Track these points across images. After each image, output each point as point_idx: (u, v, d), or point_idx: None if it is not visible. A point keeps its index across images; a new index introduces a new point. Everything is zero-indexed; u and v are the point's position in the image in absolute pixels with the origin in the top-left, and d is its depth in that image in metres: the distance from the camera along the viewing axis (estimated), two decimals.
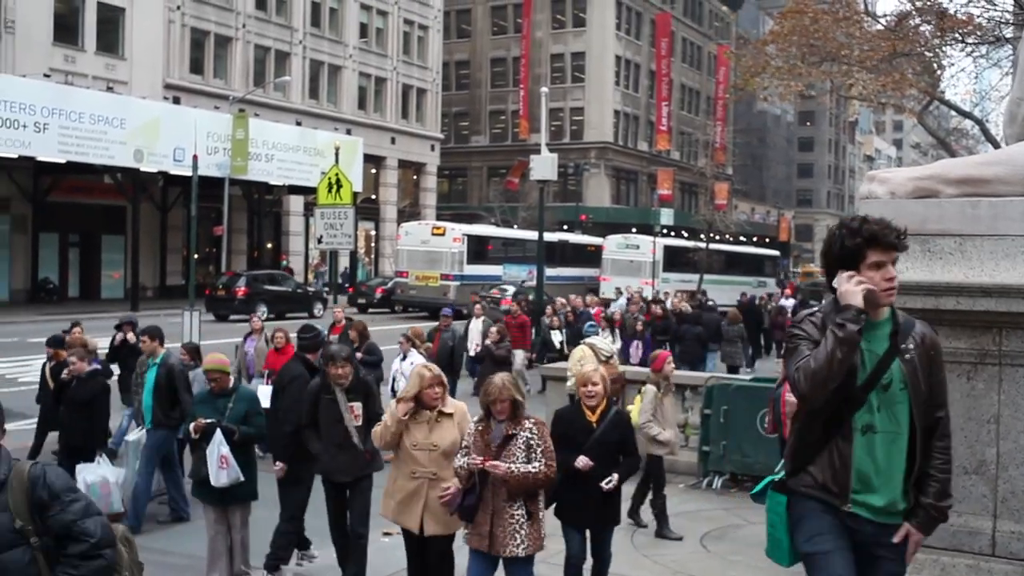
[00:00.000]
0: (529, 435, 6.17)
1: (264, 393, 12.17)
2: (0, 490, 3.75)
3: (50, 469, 3.92)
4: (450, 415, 6.70)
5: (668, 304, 26.45)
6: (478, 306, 20.79)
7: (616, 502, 7.02)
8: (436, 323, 19.63)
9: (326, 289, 41.25)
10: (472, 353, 18.83)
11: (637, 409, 9.70)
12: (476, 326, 19.26)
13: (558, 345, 19.60)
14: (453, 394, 15.28)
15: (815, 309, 4.18)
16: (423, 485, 6.58)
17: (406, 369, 13.00)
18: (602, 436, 6.85)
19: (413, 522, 6.67)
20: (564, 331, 20.10)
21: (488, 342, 16.58)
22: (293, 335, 12.48)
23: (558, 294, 29.42)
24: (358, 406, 7.67)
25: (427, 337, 15.86)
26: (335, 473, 7.67)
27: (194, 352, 11.78)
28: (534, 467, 6.09)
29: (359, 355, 13.03)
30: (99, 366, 10.55)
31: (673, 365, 10.19)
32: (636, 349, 19.49)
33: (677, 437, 10.30)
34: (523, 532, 6.08)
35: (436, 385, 6.64)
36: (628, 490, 10.87)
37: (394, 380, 13.40)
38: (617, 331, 20.31)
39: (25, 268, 38.75)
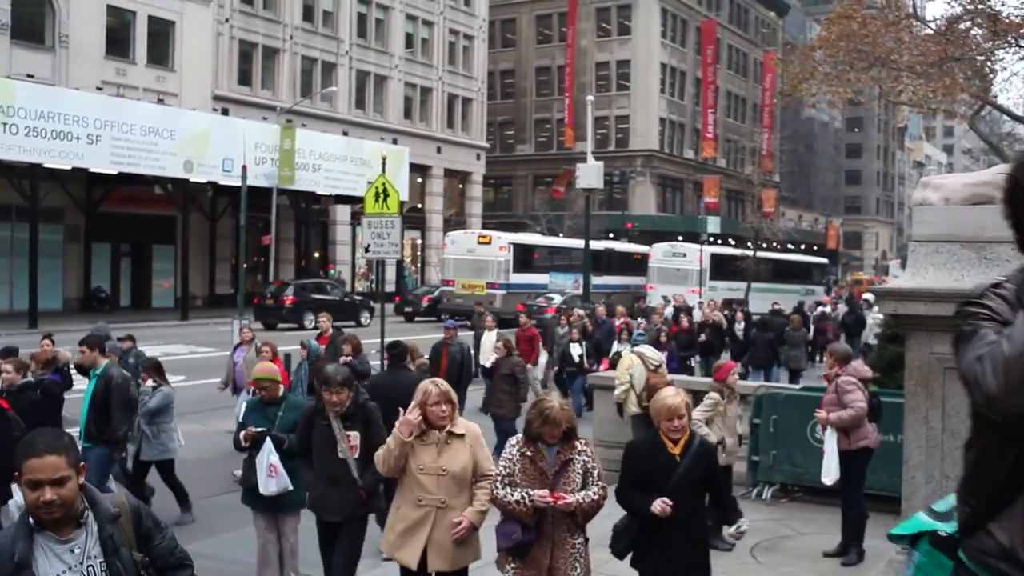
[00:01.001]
0: (586, 459, 5.74)
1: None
2: (115, 524, 3.61)
3: (136, 499, 3.88)
4: (461, 436, 6.02)
5: (698, 314, 25.35)
6: (489, 318, 19.97)
7: (706, 549, 6.12)
8: (516, 329, 19.66)
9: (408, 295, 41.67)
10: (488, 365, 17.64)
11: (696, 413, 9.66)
12: (489, 339, 18.20)
13: (577, 359, 18.53)
14: (461, 411, 14.82)
15: (1001, 279, 2.68)
16: (430, 514, 5.92)
17: None
18: (687, 472, 5.85)
19: (412, 555, 5.98)
20: (584, 343, 18.84)
21: (495, 357, 15.21)
22: (282, 348, 12.48)
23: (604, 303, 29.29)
24: (355, 435, 6.88)
25: (434, 351, 15.27)
26: (324, 510, 6.95)
27: (155, 370, 10.92)
28: (595, 493, 5.67)
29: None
30: (33, 380, 9.84)
31: (737, 376, 10.13)
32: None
33: (737, 447, 10.24)
34: (581, 561, 5.73)
35: (443, 402, 5.96)
36: None
37: None
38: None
39: (78, 277, 39.36)
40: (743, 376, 23.27)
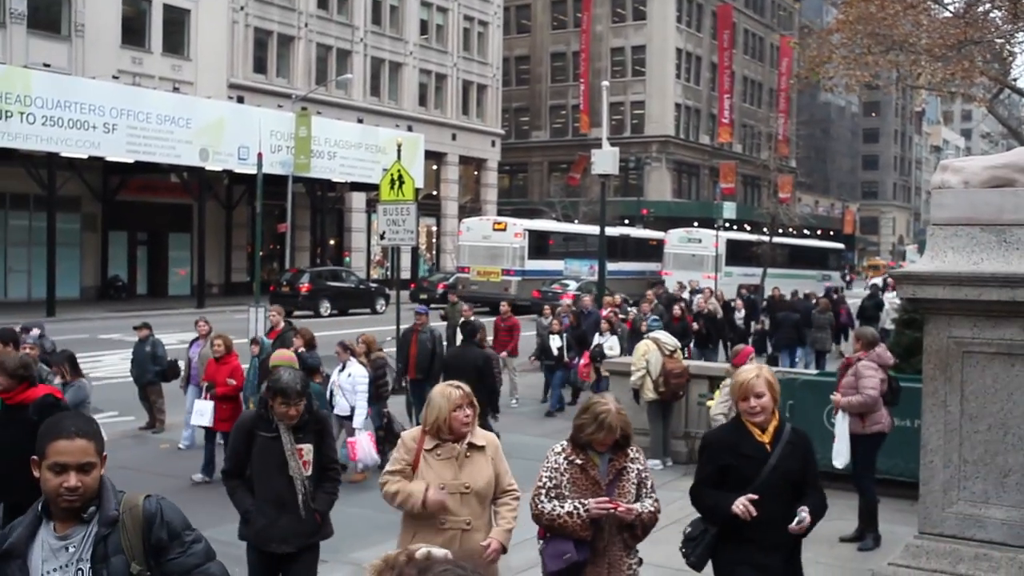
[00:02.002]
0: (639, 467, 5.19)
1: (202, 409, 11.85)
2: (112, 529, 3.20)
3: (166, 503, 3.38)
4: (482, 448, 5.32)
5: (695, 302, 24.44)
6: (465, 306, 19.18)
7: (798, 556, 5.26)
8: (495, 318, 18.97)
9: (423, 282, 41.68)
10: None
11: (715, 404, 9.64)
12: None
13: (556, 351, 17.19)
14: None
15: None
16: (454, 538, 5.14)
17: (344, 382, 11.67)
18: (780, 464, 5.01)
19: None
20: (564, 335, 17.48)
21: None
22: (237, 340, 11.96)
23: (620, 289, 29.27)
24: (308, 449, 5.85)
25: (403, 339, 14.59)
26: (272, 541, 5.81)
27: (68, 363, 10.03)
28: (652, 504, 5.12)
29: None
30: None
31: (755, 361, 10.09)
32: None
33: None
34: None
35: (466, 406, 5.25)
36: None
37: (331, 395, 11.80)
38: (617, 335, 17.45)
39: (95, 266, 39.55)
40: (771, 357, 23.39)
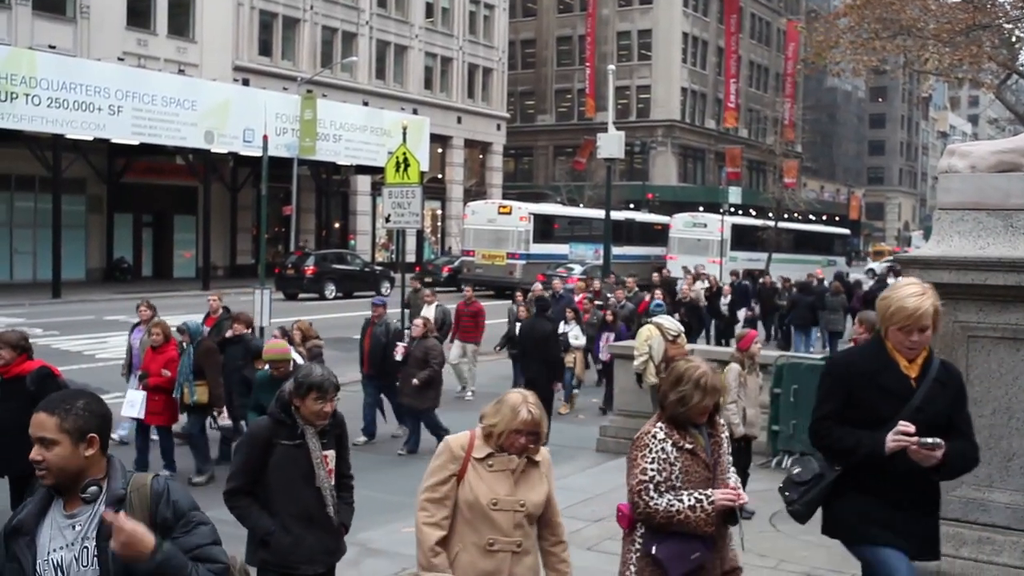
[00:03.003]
0: (727, 433, 4.71)
1: (132, 400, 10.95)
2: (118, 507, 3.16)
3: (172, 483, 3.36)
4: (537, 463, 4.66)
5: (679, 289, 23.69)
6: (427, 291, 18.31)
7: (937, 515, 4.59)
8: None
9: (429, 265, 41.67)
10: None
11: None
12: (429, 315, 16.29)
13: None
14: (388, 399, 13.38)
15: None
16: (504, 561, 4.51)
17: None
18: (927, 404, 4.31)
19: None
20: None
21: (410, 335, 13.20)
22: (175, 329, 11.09)
23: (624, 273, 29.25)
24: (332, 456, 5.37)
25: (362, 331, 13.79)
26: (301, 562, 5.25)
27: None
28: (735, 475, 4.63)
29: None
30: None
31: (760, 345, 10.10)
32: (606, 343, 16.08)
33: (759, 417, 10.24)
34: (730, 558, 4.75)
35: (531, 434, 4.49)
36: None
37: None
38: (581, 324, 16.57)
39: (100, 248, 39.61)
40: (786, 338, 23.39)
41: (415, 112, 48.59)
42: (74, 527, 3.18)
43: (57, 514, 3.20)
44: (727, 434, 4.68)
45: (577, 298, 18.95)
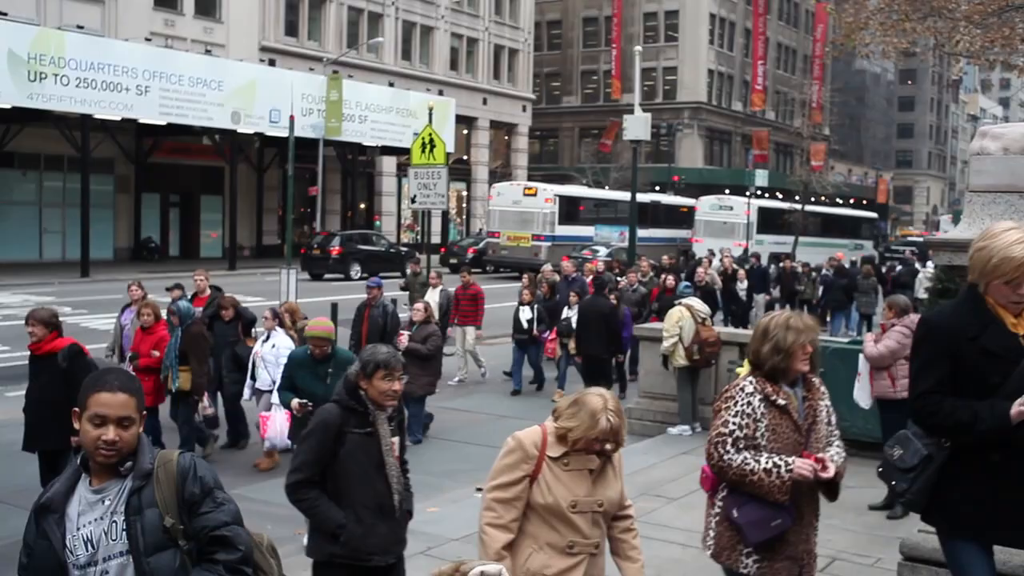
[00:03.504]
0: (828, 403, 4.42)
1: None
2: (146, 482, 3.20)
3: (199, 459, 3.38)
4: (610, 457, 4.34)
5: (697, 273, 22.07)
6: (433, 274, 17.69)
7: None
8: (456, 287, 17.44)
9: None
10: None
11: (745, 372, 9.60)
12: (433, 299, 15.94)
13: (525, 324, 15.62)
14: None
15: None
16: (581, 564, 4.21)
17: (268, 354, 10.80)
18: None
19: None
20: (535, 307, 15.87)
21: (410, 319, 12.52)
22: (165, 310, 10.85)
23: (650, 255, 29.18)
24: (397, 443, 5.19)
25: (356, 314, 13.22)
26: (374, 553, 5.08)
27: None
28: (843, 449, 4.35)
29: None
30: None
31: None
32: None
33: None
34: (816, 541, 4.53)
35: (610, 441, 4.15)
36: None
37: (253, 367, 11.00)
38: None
39: (128, 227, 39.89)
40: (821, 321, 23.27)
41: (441, 93, 48.54)
42: (103, 501, 3.19)
43: (84, 489, 3.21)
44: (827, 403, 4.39)
45: (588, 279, 18.24)
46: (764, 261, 33.22)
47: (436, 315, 13.82)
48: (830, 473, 4.12)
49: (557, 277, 18.22)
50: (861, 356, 9.37)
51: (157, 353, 10.60)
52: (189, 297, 12.76)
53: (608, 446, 4.14)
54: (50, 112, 30.99)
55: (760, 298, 25.58)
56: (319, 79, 39.61)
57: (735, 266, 25.25)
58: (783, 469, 4.07)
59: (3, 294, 26.16)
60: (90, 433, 3.14)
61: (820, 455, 4.17)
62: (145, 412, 3.28)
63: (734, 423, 4.21)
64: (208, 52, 38.80)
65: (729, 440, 4.19)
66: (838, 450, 4.31)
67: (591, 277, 18.00)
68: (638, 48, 34.56)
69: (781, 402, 4.20)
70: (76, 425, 3.22)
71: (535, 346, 15.77)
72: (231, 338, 11.56)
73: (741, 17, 70.90)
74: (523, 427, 4.35)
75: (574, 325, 14.69)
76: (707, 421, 12.54)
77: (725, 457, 4.18)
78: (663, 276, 18.50)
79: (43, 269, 33.01)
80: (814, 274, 26.37)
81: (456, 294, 16.92)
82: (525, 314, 15.64)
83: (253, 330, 11.94)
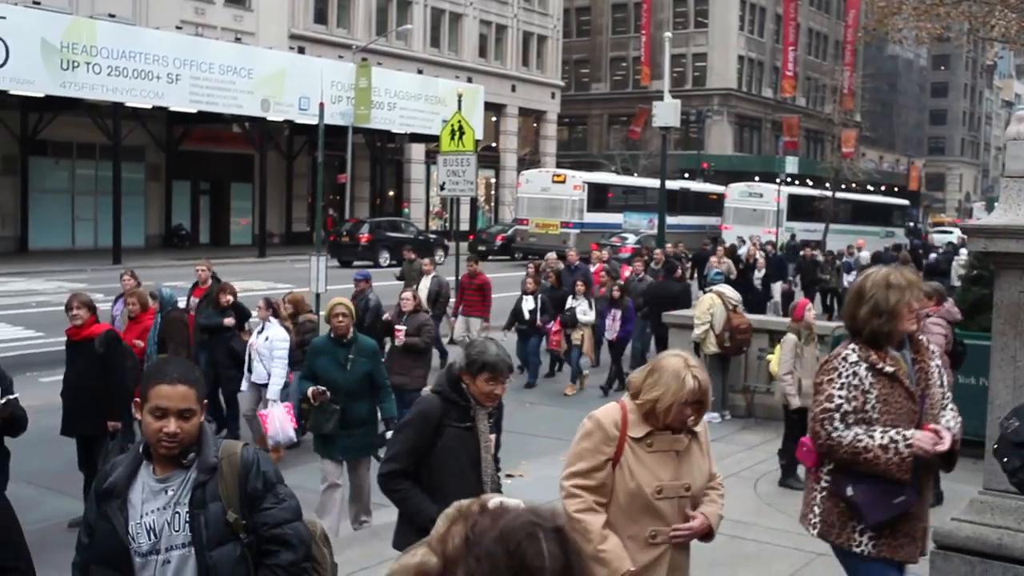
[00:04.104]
0: (937, 362, 4.09)
1: None
2: (210, 476, 3.19)
3: (262, 454, 3.39)
4: (696, 435, 3.97)
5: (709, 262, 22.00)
6: (426, 261, 16.70)
7: None
8: (461, 275, 17.00)
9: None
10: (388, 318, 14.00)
11: (776, 359, 9.55)
12: (424, 285, 15.47)
13: (527, 315, 14.86)
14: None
15: None
16: (665, 555, 3.86)
17: (262, 346, 10.41)
18: None
19: None
20: (539, 296, 15.07)
21: (398, 309, 11.58)
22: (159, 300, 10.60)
23: (679, 242, 29.06)
24: (494, 441, 5.06)
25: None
26: None
27: None
28: (957, 413, 4.09)
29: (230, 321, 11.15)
30: None
31: (814, 312, 9.93)
32: (613, 321, 14.84)
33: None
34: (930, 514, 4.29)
35: (694, 403, 3.79)
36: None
37: (249, 360, 10.62)
38: (591, 298, 15.00)
39: (159, 215, 40.17)
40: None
41: (469, 80, 48.48)
42: (166, 491, 3.20)
43: (148, 478, 3.22)
44: (938, 363, 4.06)
45: (594, 268, 17.49)
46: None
47: (425, 302, 13.04)
48: (947, 445, 3.83)
49: (561, 265, 17.59)
50: None
51: (141, 343, 10.29)
52: (191, 286, 12.56)
53: (697, 413, 3.79)
54: (82, 100, 31.23)
55: (777, 287, 24.95)
56: (348, 67, 39.68)
57: (757, 255, 24.71)
58: (901, 444, 3.76)
59: (37, 281, 26.45)
60: (152, 425, 3.15)
61: (934, 425, 3.87)
62: (207, 402, 3.28)
63: (840, 396, 3.90)
64: (238, 40, 38.95)
65: (837, 416, 3.88)
66: (953, 414, 4.02)
67: (596, 267, 17.70)
68: (668, 34, 34.34)
69: (889, 369, 3.90)
70: (137, 416, 3.24)
71: (537, 337, 15.00)
72: (227, 333, 11.26)
73: (772, 3, 70.32)
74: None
75: (579, 316, 14.42)
76: (737, 408, 12.53)
77: (834, 435, 3.87)
78: (675, 265, 17.25)
79: (76, 256, 33.32)
80: (837, 262, 25.98)
81: (462, 283, 16.40)
82: (528, 304, 14.99)
83: (247, 324, 11.61)
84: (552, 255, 19.53)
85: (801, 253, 28.57)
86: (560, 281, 16.25)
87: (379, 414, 8.21)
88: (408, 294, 11.66)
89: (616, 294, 14.96)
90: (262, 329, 10.50)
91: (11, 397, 5.74)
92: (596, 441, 3.80)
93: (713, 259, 21.41)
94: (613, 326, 14.72)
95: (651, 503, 3.75)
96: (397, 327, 11.24)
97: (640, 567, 3.77)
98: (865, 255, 28.22)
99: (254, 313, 11.19)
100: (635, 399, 3.82)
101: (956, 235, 42.39)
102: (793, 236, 40.71)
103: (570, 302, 14.82)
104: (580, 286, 14.91)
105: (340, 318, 7.92)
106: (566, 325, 14.63)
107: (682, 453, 3.82)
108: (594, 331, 14.83)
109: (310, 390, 7.77)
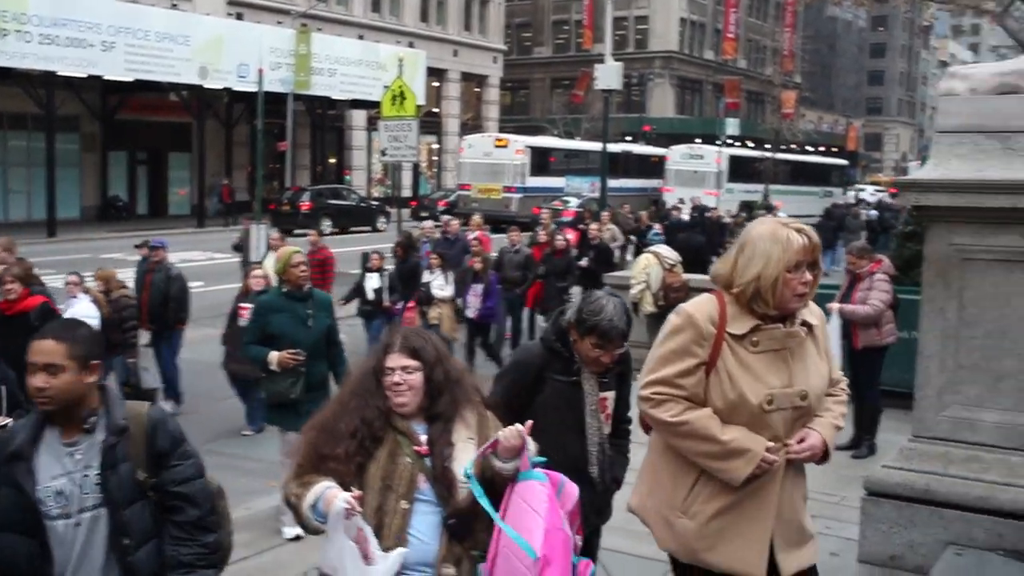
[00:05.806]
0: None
1: None
2: (120, 437, 3.21)
3: (166, 414, 3.45)
4: (812, 327, 3.36)
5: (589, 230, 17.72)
6: (274, 234, 14.45)
7: None
8: (498, 236, 17.14)
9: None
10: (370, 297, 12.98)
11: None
12: (269, 264, 13.12)
13: (372, 294, 12.97)
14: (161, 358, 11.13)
15: None
16: (775, 481, 3.30)
17: None
18: None
19: (755, 557, 3.27)
20: (384, 274, 13.12)
21: (242, 289, 10.71)
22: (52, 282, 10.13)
23: (621, 205, 29.19)
24: (611, 399, 4.28)
25: (137, 277, 11.79)
26: None
27: None
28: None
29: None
30: None
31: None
32: (474, 297, 12.79)
33: None
34: None
35: (807, 267, 3.19)
36: None
37: None
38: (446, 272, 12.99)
39: (95, 186, 39.43)
40: None
41: (411, 45, 48.09)
42: (74, 455, 3.20)
43: (54, 442, 3.21)
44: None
45: (472, 235, 15.29)
46: (734, 209, 33.30)
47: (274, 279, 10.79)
48: None
49: (437, 234, 15.80)
50: (833, 322, 8.62)
51: None
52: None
53: (811, 286, 3.18)
54: (12, 69, 30.46)
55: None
56: (288, 32, 39.13)
57: (648, 222, 22.68)
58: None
59: None
60: (28, 380, 3.18)
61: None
62: (96, 363, 3.24)
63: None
64: (174, 7, 38.16)
65: None
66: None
67: (477, 234, 15.14)
68: None
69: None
70: None
71: (383, 318, 12.86)
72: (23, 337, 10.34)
73: None
74: None
75: (435, 291, 12.72)
76: None
77: None
78: (556, 234, 15.41)
79: (8, 229, 32.46)
80: (747, 224, 25.88)
81: (308, 257, 14.24)
82: (372, 282, 13.02)
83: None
84: (428, 223, 17.70)
85: (706, 215, 28.48)
86: (406, 253, 14.08)
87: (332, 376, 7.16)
88: (259, 272, 10.48)
89: (478, 266, 12.92)
90: (71, 305, 9.56)
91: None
92: (687, 339, 3.21)
93: (594, 227, 17.49)
94: (475, 302, 12.74)
95: (759, 416, 3.14)
96: (241, 306, 10.08)
97: (743, 496, 3.22)
98: (781, 216, 28.70)
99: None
100: (730, 289, 3.23)
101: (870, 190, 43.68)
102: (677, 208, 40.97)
103: (426, 276, 13.01)
104: (435, 259, 13.07)
105: (302, 267, 7.08)
106: (421, 303, 12.88)
107: (796, 352, 3.20)
108: (454, 307, 12.94)
109: (277, 355, 6.75)
